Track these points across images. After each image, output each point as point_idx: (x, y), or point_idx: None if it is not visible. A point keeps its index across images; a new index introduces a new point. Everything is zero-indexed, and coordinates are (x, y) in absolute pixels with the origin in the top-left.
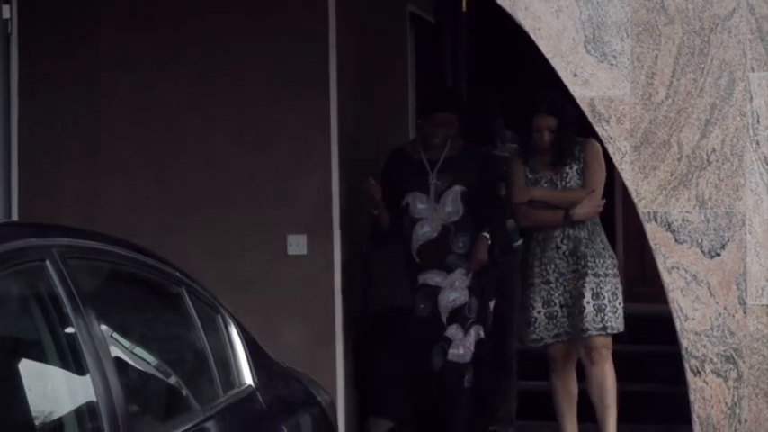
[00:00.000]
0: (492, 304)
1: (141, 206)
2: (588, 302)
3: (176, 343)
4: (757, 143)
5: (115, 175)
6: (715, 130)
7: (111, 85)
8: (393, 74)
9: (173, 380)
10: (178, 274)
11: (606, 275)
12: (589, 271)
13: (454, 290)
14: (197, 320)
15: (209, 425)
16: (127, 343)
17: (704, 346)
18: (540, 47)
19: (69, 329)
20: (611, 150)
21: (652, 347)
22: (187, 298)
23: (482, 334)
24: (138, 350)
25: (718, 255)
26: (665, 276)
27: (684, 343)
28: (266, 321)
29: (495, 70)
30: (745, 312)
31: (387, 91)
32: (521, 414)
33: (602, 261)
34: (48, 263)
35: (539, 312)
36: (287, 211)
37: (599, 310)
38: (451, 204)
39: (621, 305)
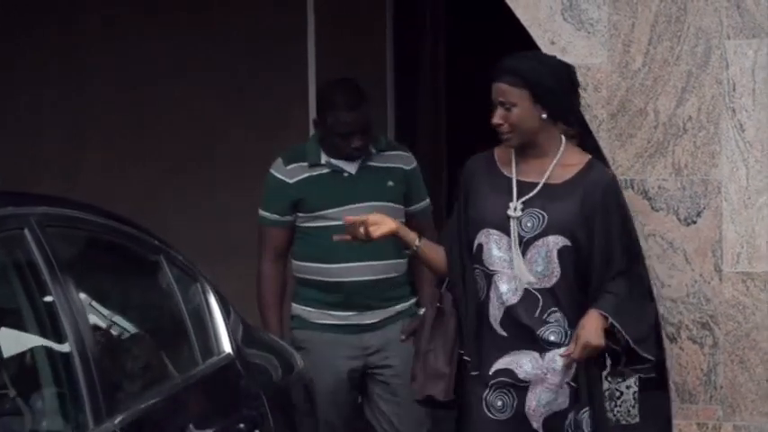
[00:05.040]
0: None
1: (122, 172)
2: None
3: (155, 311)
4: (733, 111)
5: (96, 140)
6: (691, 98)
7: (92, 50)
8: (372, 42)
9: (151, 348)
10: (156, 242)
11: None
12: None
13: (549, 388)
14: (175, 288)
15: (188, 393)
16: (105, 311)
17: (680, 313)
18: (517, 15)
19: (48, 298)
20: (587, 118)
21: None
22: (165, 266)
23: None
24: (117, 318)
25: (695, 222)
26: (641, 243)
27: (660, 310)
28: (246, 289)
29: (474, 45)
30: (720, 279)
31: (365, 59)
32: None
33: None
34: (26, 231)
35: None
36: None
37: None
38: (543, 262)
39: None
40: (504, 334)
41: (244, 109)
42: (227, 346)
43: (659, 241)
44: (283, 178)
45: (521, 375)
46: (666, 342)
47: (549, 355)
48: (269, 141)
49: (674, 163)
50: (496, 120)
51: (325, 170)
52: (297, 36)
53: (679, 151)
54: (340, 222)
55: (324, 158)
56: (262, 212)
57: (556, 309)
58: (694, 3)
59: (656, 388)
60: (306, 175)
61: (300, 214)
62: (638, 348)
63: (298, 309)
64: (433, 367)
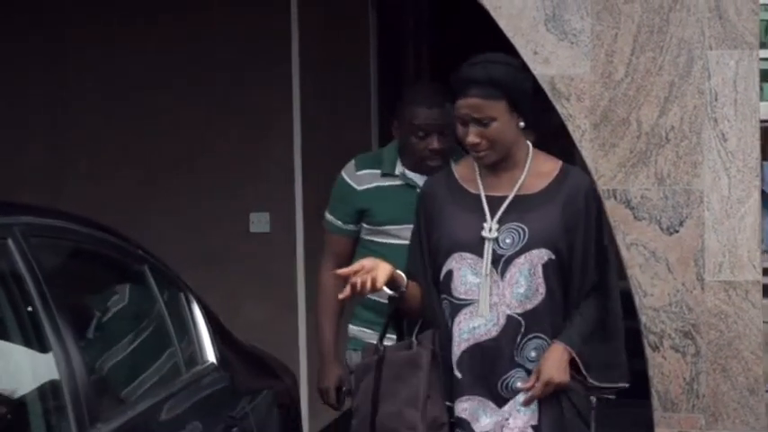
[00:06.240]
0: None
1: (105, 182)
2: None
3: (139, 321)
4: (715, 121)
5: (80, 149)
6: (673, 108)
7: (77, 58)
8: (355, 52)
9: (135, 358)
10: (141, 252)
11: None
12: None
13: None
14: (159, 298)
15: (172, 402)
16: (89, 321)
17: (662, 322)
18: (500, 25)
19: (32, 308)
20: (570, 128)
21: None
22: (150, 276)
23: None
24: (101, 328)
25: (677, 231)
26: (624, 253)
27: (643, 319)
28: (229, 298)
29: (457, 52)
30: (703, 288)
31: (348, 68)
32: None
33: None
34: (10, 241)
35: None
36: (250, 189)
37: None
38: (526, 281)
39: None
40: (459, 376)
41: (230, 116)
42: (210, 356)
43: (642, 251)
44: (352, 184)
45: (477, 430)
46: (649, 351)
47: (512, 402)
48: (251, 158)
49: (657, 173)
50: (473, 139)
51: (398, 182)
52: (281, 42)
53: (661, 161)
54: (402, 242)
55: (399, 169)
56: (327, 216)
57: (539, 333)
58: (677, 14)
59: (637, 397)
60: (376, 184)
61: (364, 225)
62: (599, 383)
63: (354, 330)
64: (432, 416)
